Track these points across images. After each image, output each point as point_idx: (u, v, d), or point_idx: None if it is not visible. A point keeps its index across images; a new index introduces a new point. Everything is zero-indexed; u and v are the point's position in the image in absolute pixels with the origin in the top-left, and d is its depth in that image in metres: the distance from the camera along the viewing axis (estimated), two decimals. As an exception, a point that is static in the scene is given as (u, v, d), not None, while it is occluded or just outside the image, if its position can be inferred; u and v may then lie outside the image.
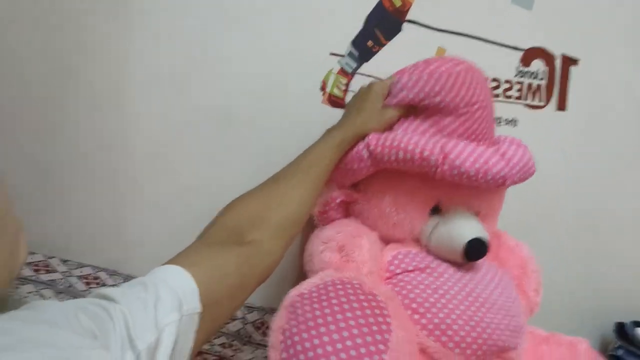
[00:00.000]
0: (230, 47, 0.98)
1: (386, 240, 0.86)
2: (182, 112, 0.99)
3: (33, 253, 1.01)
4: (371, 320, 0.62)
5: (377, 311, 0.64)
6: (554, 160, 1.15)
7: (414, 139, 0.76)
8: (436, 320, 0.73)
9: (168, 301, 0.44)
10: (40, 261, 1.01)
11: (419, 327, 0.73)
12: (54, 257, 1.03)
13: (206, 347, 0.99)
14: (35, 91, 0.97)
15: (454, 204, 0.84)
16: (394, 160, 0.77)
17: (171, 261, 0.51)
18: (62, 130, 0.99)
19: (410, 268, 0.78)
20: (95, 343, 0.37)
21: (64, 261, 1.04)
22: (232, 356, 1.01)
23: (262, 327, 1.04)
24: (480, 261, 0.82)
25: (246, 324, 1.05)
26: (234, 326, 1.03)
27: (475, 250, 0.78)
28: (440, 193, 0.82)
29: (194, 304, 0.47)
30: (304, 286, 0.68)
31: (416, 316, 0.74)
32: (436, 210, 0.84)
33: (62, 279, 1.02)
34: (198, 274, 0.49)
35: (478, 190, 0.82)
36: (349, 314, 0.61)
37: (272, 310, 0.93)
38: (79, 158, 1.00)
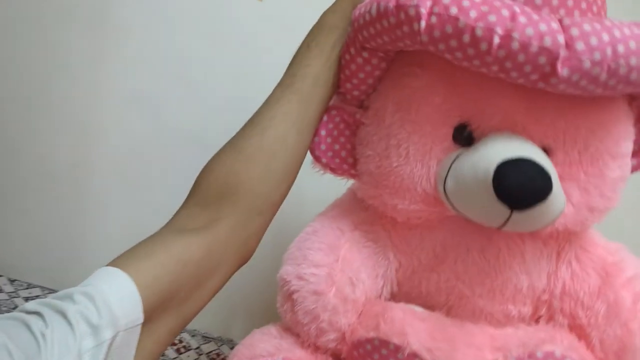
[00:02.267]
0: (204, 69, 0.97)
1: (384, 216, 0.57)
2: (152, 133, 0.98)
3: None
4: None
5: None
6: None
7: None
8: None
9: (94, 319, 0.40)
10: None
11: None
12: (1, 275, 1.01)
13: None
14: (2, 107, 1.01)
15: (494, 124, 0.49)
16: (370, 23, 0.49)
17: (118, 259, 0.46)
18: (28, 149, 1.01)
19: None
20: None
21: (12, 281, 1.01)
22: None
23: (218, 358, 0.97)
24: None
25: (201, 354, 0.97)
26: (188, 357, 0.95)
27: (517, 177, 0.43)
28: (470, 98, 0.50)
29: (133, 316, 0.43)
30: (250, 352, 0.56)
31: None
32: (466, 136, 0.51)
33: (7, 299, 0.96)
34: (145, 273, 0.45)
35: (543, 102, 0.47)
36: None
37: (230, 342, 0.96)
38: (43, 176, 1.00)
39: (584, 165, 0.49)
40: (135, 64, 0.95)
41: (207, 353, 0.96)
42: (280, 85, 0.57)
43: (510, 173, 0.43)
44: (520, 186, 0.43)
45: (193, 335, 0.96)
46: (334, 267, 0.54)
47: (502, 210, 0.44)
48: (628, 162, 0.51)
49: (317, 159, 0.59)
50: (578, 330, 0.53)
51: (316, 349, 0.57)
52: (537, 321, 0.56)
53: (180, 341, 0.94)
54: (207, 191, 0.53)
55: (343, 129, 0.58)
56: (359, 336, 0.53)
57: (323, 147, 0.58)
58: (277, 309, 0.59)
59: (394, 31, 0.47)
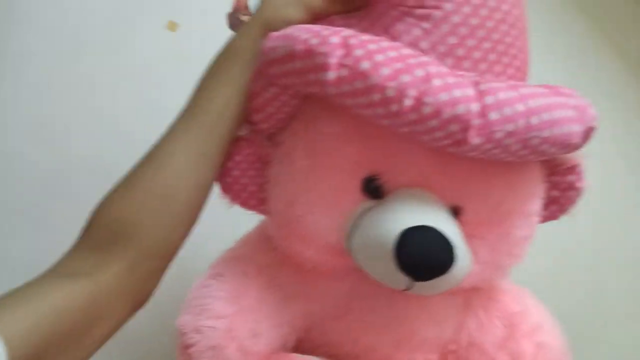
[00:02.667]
0: (112, 101, 0.95)
1: (290, 259, 0.54)
2: (57, 162, 0.94)
3: None
4: None
5: None
6: None
7: (317, 29, 0.43)
8: None
9: None
10: None
11: None
12: None
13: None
14: None
15: (405, 179, 0.46)
16: (279, 61, 0.45)
17: None
18: None
19: None
20: None
21: None
22: None
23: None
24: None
25: None
26: None
27: (418, 249, 0.40)
28: (382, 152, 0.46)
29: None
30: None
31: None
32: (375, 189, 0.48)
33: None
34: (14, 323, 0.40)
35: (457, 161, 0.45)
36: None
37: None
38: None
39: (493, 225, 0.48)
40: (38, 90, 0.92)
41: None
42: (181, 116, 0.51)
43: (411, 244, 0.41)
44: (422, 260, 0.41)
45: None
46: (235, 319, 0.50)
47: (404, 279, 0.42)
48: (536, 220, 0.50)
49: (223, 191, 0.55)
50: None
51: None
52: (443, 369, 0.55)
53: None
54: (97, 233, 0.49)
55: (253, 162, 0.54)
56: None
57: (229, 179, 0.53)
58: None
59: (302, 76, 0.43)
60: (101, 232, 0.48)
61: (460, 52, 0.43)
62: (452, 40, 0.43)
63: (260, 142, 0.53)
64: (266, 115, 0.51)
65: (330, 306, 0.54)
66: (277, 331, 0.53)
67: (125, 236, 0.48)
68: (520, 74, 0.47)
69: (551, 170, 0.50)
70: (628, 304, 1.24)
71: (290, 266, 0.54)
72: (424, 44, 0.44)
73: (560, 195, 0.52)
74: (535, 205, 0.50)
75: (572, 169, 0.51)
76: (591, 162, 0.52)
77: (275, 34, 0.47)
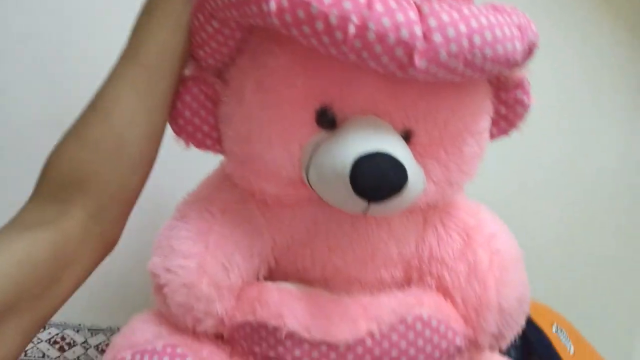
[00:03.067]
0: (61, 47, 0.89)
1: (253, 194, 0.55)
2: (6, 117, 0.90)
3: None
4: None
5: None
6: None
7: None
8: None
9: None
10: None
11: None
12: None
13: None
14: None
15: (357, 107, 0.47)
16: None
17: None
18: None
19: (256, 350, 0.53)
20: None
21: None
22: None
23: (109, 349, 0.99)
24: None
25: (88, 348, 0.93)
26: (74, 353, 0.91)
27: (372, 174, 0.42)
28: (331, 82, 0.47)
29: None
30: (128, 342, 0.54)
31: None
32: (328, 119, 0.49)
33: None
34: None
35: (405, 85, 0.46)
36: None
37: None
38: None
39: (444, 144, 0.49)
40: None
41: (95, 346, 0.93)
42: (122, 59, 0.50)
43: (365, 169, 0.42)
44: (375, 182, 0.42)
45: (77, 330, 0.91)
46: (204, 256, 0.52)
47: (360, 202, 0.44)
48: (486, 136, 0.52)
49: (176, 133, 0.54)
50: (444, 290, 0.56)
51: (196, 333, 0.55)
52: (409, 284, 0.58)
53: (63, 338, 0.89)
54: (53, 184, 0.48)
55: (203, 100, 0.53)
56: (237, 321, 0.52)
57: (181, 121, 0.53)
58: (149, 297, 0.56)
59: (242, 8, 0.42)
60: (57, 183, 0.48)
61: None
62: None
63: (209, 80, 0.52)
64: (211, 50, 0.50)
65: (296, 235, 0.56)
66: (247, 264, 0.54)
67: (83, 185, 0.48)
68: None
69: (498, 87, 0.52)
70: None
71: (254, 201, 0.56)
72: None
73: (508, 111, 0.54)
74: (484, 122, 0.51)
75: (519, 84, 0.52)
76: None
77: None
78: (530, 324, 0.96)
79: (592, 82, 1.29)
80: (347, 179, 0.42)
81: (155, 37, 0.49)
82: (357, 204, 0.44)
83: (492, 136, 0.55)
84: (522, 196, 1.25)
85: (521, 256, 0.57)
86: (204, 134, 0.54)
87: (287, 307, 0.51)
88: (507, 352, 0.92)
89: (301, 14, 0.38)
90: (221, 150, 0.55)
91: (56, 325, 0.89)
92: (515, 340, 0.94)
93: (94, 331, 0.94)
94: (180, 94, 0.52)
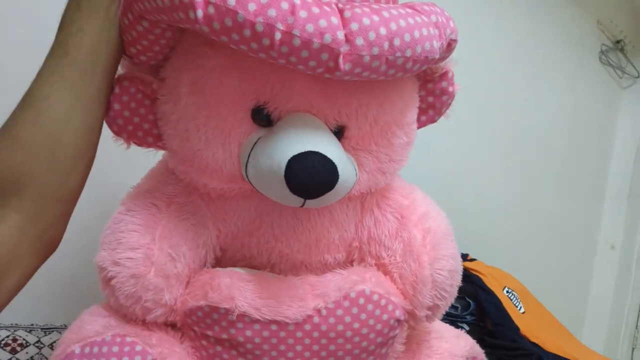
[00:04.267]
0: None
1: (197, 188, 0.56)
2: None
3: None
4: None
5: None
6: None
7: None
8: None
9: None
10: None
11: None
12: None
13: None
14: None
15: (291, 106, 0.49)
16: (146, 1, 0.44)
17: None
18: None
19: (209, 333, 0.55)
20: None
21: None
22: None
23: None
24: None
25: (42, 347, 0.90)
26: (26, 354, 0.88)
27: (305, 173, 0.45)
28: (265, 81, 0.48)
29: None
30: (78, 336, 0.54)
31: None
32: (264, 117, 0.51)
33: None
34: None
35: (336, 84, 0.48)
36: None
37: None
38: None
39: (374, 137, 0.52)
40: None
41: (49, 345, 0.91)
42: (51, 56, 0.48)
43: (299, 169, 0.44)
44: (309, 181, 0.45)
45: (30, 331, 0.89)
46: (151, 247, 0.53)
47: (297, 199, 0.47)
48: (414, 127, 0.55)
49: (116, 134, 0.54)
50: (383, 268, 0.60)
51: (145, 322, 0.57)
52: (351, 264, 0.61)
53: (15, 340, 0.86)
54: None
55: (141, 99, 0.53)
56: (190, 306, 0.54)
57: (120, 121, 0.53)
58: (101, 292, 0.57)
59: (170, 13, 0.42)
60: None
61: (328, -27, 0.44)
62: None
63: (145, 79, 0.52)
64: (142, 48, 0.50)
65: (241, 224, 0.58)
66: (194, 253, 0.56)
67: (17, 187, 0.46)
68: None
69: (425, 79, 0.55)
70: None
71: (198, 194, 0.57)
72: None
73: (435, 100, 0.57)
74: (412, 115, 0.54)
75: (444, 75, 0.55)
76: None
77: None
78: (482, 288, 1.03)
79: (538, 38, 1.33)
80: (283, 179, 0.45)
81: (84, 31, 0.47)
82: (294, 200, 0.47)
83: (421, 124, 0.59)
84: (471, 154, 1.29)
85: (451, 231, 0.61)
86: (145, 132, 0.54)
87: (237, 289, 0.53)
88: (462, 317, 0.99)
89: (228, 22, 0.40)
90: (163, 147, 0.56)
91: (7, 328, 0.86)
92: (469, 304, 1.01)
93: (47, 330, 0.92)
94: (117, 95, 0.51)
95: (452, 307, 1.00)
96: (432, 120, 0.59)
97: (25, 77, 0.49)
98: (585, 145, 1.50)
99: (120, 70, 0.52)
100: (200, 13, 0.40)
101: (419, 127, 0.58)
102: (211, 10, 0.40)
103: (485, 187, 1.32)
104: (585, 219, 1.55)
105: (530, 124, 1.36)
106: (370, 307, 0.54)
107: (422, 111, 0.57)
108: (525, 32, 1.30)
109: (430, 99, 0.57)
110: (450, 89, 0.57)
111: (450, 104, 0.58)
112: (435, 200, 0.64)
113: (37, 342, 0.89)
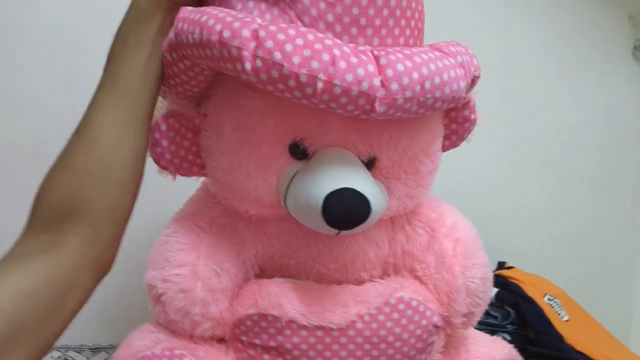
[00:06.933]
0: (34, 77, 0.89)
1: (238, 214, 0.60)
2: None
3: None
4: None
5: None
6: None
7: (224, 14, 0.46)
8: None
9: None
10: None
11: None
12: None
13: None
14: None
15: (326, 142, 0.53)
16: (193, 46, 0.47)
17: None
18: None
19: (257, 342, 0.58)
20: None
21: None
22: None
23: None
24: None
25: None
26: None
27: (340, 209, 0.49)
28: (302, 121, 0.52)
29: None
30: (129, 352, 0.58)
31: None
32: (301, 152, 0.54)
33: None
34: None
35: (368, 121, 0.51)
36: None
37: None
38: None
39: (403, 166, 0.56)
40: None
41: None
42: (101, 87, 0.51)
43: (335, 205, 0.48)
44: (344, 216, 0.49)
45: (79, 351, 0.93)
46: (197, 264, 0.56)
47: (332, 230, 0.51)
48: (439, 154, 0.59)
49: (164, 168, 0.58)
50: (418, 280, 0.63)
51: (192, 337, 0.60)
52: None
53: None
54: (45, 215, 0.49)
55: (184, 133, 0.57)
56: (239, 315, 0.57)
57: (168, 156, 0.57)
58: (151, 311, 0.60)
59: (218, 62, 0.46)
60: (49, 213, 0.49)
61: (363, 21, 0.48)
62: (355, 11, 0.48)
63: (188, 115, 0.56)
64: (181, 82, 0.53)
65: (278, 245, 0.61)
66: (237, 270, 0.60)
67: (75, 213, 0.48)
68: (417, 32, 0.53)
69: (449, 108, 0.57)
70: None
71: (238, 216, 0.60)
72: (329, 17, 0.48)
73: (458, 127, 0.61)
74: (437, 143, 0.58)
75: (466, 104, 0.59)
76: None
77: (186, 11, 0.48)
78: (522, 297, 1.01)
79: (566, 35, 1.29)
80: (320, 213, 0.49)
81: (131, 65, 0.50)
82: (330, 230, 0.51)
83: (445, 148, 0.62)
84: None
85: (479, 239, 0.64)
86: (190, 163, 0.58)
87: (285, 296, 0.56)
88: (502, 326, 0.99)
89: (275, 73, 0.43)
90: (206, 175, 0.60)
91: (58, 349, 0.90)
92: (509, 314, 1.00)
93: (95, 350, 0.95)
94: (164, 132, 0.55)
95: (492, 316, 1.01)
96: (455, 145, 0.63)
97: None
98: (622, 146, 1.43)
99: (158, 106, 0.55)
100: (248, 66, 0.44)
101: (442, 152, 0.61)
102: (259, 63, 0.43)
103: (520, 193, 1.30)
104: (625, 222, 1.47)
105: (563, 126, 1.33)
106: (409, 312, 0.58)
107: (445, 137, 0.61)
108: (552, 30, 1.27)
109: (454, 126, 0.61)
110: (472, 116, 0.60)
111: (472, 130, 0.62)
112: (470, 209, 0.67)
113: (86, 361, 0.92)
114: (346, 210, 0.48)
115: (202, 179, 0.65)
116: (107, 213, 0.50)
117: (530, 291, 1.02)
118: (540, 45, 1.25)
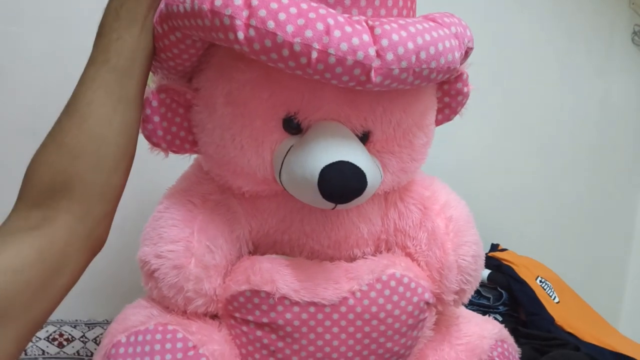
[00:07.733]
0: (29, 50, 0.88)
1: (231, 191, 0.59)
2: None
3: None
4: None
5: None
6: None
7: None
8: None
9: None
10: None
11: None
12: None
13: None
14: None
15: (320, 115, 0.53)
16: (184, 16, 0.47)
17: None
18: None
19: (249, 318, 0.58)
20: None
21: None
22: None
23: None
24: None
25: (87, 342, 0.95)
26: (72, 348, 0.94)
27: (337, 182, 0.48)
28: (295, 93, 0.51)
29: None
30: (123, 326, 0.57)
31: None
32: (294, 126, 0.54)
33: None
34: None
35: (362, 93, 0.51)
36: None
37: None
38: None
39: (397, 139, 0.56)
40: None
41: (93, 339, 0.95)
42: (92, 63, 0.50)
43: (331, 178, 0.48)
44: (340, 189, 0.49)
45: (75, 326, 0.93)
46: (190, 240, 0.56)
47: (328, 203, 0.51)
48: (432, 127, 0.59)
49: (156, 145, 0.57)
50: (409, 257, 0.63)
51: (186, 313, 0.60)
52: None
53: (61, 334, 0.92)
54: (36, 191, 0.49)
55: (176, 108, 0.56)
56: (232, 291, 0.57)
57: (160, 132, 0.56)
58: (144, 287, 0.60)
59: (210, 32, 0.46)
60: (40, 190, 0.48)
61: (358, -10, 0.48)
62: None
63: (179, 90, 0.55)
64: (172, 55, 0.52)
65: (272, 221, 0.61)
66: (230, 246, 0.60)
67: (66, 189, 0.48)
68: (409, 3, 0.53)
69: (442, 80, 0.57)
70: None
71: (231, 193, 0.60)
72: (325, -14, 0.47)
73: (451, 100, 0.61)
74: (431, 116, 0.58)
75: (459, 77, 0.59)
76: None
77: None
78: (514, 278, 1.02)
79: (565, 19, 1.28)
80: (316, 187, 0.48)
81: (123, 39, 0.50)
82: (326, 204, 0.51)
83: (438, 122, 0.62)
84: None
85: (472, 218, 0.64)
86: (182, 140, 0.57)
87: (277, 273, 0.56)
88: (494, 307, 1.00)
89: (268, 43, 0.43)
90: (198, 152, 0.59)
91: (53, 323, 0.91)
92: (501, 295, 1.01)
93: (90, 325, 0.96)
94: (155, 108, 0.54)
95: (484, 297, 1.02)
96: (448, 119, 0.63)
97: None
98: (618, 131, 1.44)
99: (150, 82, 0.54)
100: (241, 35, 0.43)
101: (436, 125, 0.61)
102: (252, 32, 0.43)
103: (515, 176, 1.30)
104: (619, 207, 1.49)
105: (560, 110, 1.33)
106: (401, 289, 0.58)
107: (438, 111, 0.61)
108: (551, 14, 1.26)
109: (447, 99, 0.60)
110: (465, 89, 0.60)
111: (465, 103, 0.62)
112: (465, 190, 0.67)
113: (82, 336, 0.94)
114: (343, 182, 0.48)
115: (194, 156, 0.64)
116: (99, 189, 0.49)
117: (523, 273, 1.03)
118: (537, 29, 1.25)
